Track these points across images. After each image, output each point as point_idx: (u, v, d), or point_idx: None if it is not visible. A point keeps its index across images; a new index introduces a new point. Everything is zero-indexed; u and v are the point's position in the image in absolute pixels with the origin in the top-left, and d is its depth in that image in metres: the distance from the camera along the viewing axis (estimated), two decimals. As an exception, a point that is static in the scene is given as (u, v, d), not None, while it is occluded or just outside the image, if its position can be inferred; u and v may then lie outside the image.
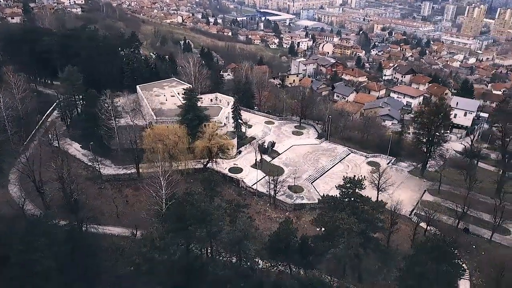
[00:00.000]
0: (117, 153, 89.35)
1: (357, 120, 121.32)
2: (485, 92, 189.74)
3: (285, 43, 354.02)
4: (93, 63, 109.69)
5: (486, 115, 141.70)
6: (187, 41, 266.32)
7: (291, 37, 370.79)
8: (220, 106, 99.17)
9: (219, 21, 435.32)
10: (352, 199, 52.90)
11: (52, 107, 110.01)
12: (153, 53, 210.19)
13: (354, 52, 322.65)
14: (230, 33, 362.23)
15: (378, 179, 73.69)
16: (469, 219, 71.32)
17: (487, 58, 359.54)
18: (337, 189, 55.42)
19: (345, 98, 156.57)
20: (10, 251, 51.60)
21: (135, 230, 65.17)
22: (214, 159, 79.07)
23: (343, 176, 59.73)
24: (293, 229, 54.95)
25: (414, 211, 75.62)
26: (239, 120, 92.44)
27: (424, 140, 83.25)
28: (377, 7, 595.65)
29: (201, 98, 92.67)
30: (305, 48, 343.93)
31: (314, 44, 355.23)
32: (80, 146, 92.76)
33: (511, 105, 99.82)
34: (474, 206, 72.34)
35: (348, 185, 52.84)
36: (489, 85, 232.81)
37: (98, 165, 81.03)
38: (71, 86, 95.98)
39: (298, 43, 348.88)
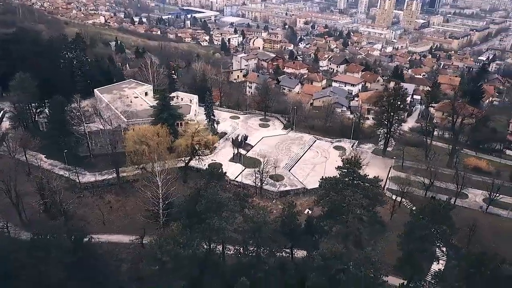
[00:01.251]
0: (89, 159, 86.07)
1: (310, 109, 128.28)
2: (410, 76, 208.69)
3: (216, 40, 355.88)
4: (39, 68, 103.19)
5: (418, 97, 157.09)
6: (118, 42, 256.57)
7: (221, 33, 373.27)
8: (189, 104, 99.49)
9: (144, 20, 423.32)
10: (352, 177, 57.81)
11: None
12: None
13: (283, 46, 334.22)
14: (159, 32, 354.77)
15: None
16: (434, 188, 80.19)
17: (402, 46, 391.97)
18: (336, 170, 59.97)
19: (291, 90, 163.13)
20: (17, 266, 49.41)
21: (141, 235, 64.14)
22: (199, 156, 79.74)
23: (341, 158, 64.12)
24: (297, 212, 58.59)
25: (386, 186, 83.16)
26: (212, 117, 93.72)
27: (385, 122, 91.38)
28: (296, 2, 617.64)
29: (174, 97, 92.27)
30: (236, 44, 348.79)
31: (244, 40, 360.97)
32: (45, 157, 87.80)
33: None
34: (436, 177, 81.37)
35: (347, 165, 57.65)
36: (409, 70, 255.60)
37: (76, 173, 77.79)
38: (24, 94, 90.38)
39: (229, 39, 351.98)
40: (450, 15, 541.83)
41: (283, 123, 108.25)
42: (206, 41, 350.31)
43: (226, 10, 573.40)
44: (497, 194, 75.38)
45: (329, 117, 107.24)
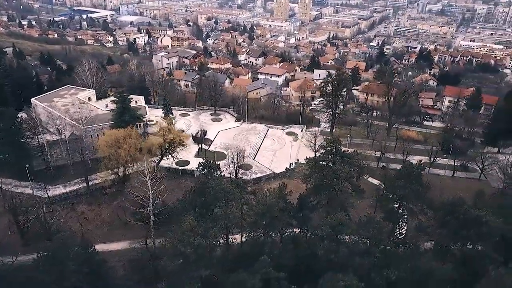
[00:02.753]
0: (47, 172, 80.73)
1: (254, 101, 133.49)
2: (323, 64, 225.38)
3: (121, 40, 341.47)
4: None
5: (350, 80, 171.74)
6: (16, 48, 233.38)
7: (125, 33, 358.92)
8: (143, 105, 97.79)
9: (34, 23, 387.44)
10: (334, 154, 64.29)
11: None
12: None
13: (191, 43, 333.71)
14: (56, 35, 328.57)
15: (314, 142, 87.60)
16: (384, 159, 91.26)
17: (303, 37, 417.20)
18: (321, 148, 66.06)
19: (221, 85, 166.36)
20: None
21: (145, 238, 63.31)
22: (171, 154, 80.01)
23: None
24: (288, 192, 63.56)
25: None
26: (171, 115, 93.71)
27: (332, 104, 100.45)
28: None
29: (132, 99, 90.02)
30: (143, 44, 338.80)
31: (151, 39, 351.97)
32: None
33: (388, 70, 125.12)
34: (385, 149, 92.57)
35: (330, 143, 63.94)
36: (316, 59, 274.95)
37: (45, 187, 72.88)
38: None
39: (135, 39, 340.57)
40: (338, 6, 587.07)
41: (234, 116, 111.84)
42: (111, 42, 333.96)
43: (122, 9, 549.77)
44: (435, 158, 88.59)
45: (275, 107, 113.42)
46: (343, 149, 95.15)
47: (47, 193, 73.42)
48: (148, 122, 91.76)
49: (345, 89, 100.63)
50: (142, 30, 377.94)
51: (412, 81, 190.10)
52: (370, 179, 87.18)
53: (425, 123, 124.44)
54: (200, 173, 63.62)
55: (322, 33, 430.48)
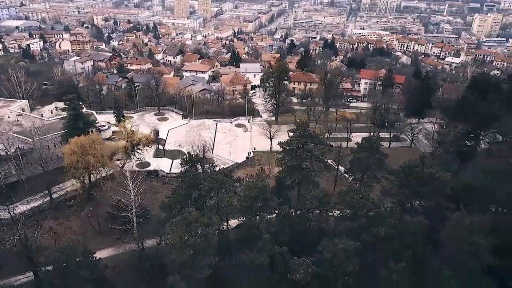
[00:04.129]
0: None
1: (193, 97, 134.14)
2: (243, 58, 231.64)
3: (11, 48, 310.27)
4: None
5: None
6: None
7: (15, 40, 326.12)
8: (91, 111, 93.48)
9: None
10: (305, 136, 69.87)
11: None
12: None
13: (94, 46, 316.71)
14: None
15: (269, 131, 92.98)
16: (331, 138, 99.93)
17: (209, 34, 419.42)
18: (290, 132, 71.26)
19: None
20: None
21: (141, 243, 62.42)
22: (136, 156, 78.88)
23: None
24: (266, 176, 67.91)
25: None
26: (122, 118, 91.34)
27: (275, 94, 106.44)
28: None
29: (83, 106, 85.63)
30: (39, 50, 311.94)
31: (47, 44, 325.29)
32: None
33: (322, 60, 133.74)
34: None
35: (300, 127, 69.26)
36: (228, 54, 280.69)
37: (8, 206, 67.00)
38: None
39: (28, 45, 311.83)
40: (237, 1, 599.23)
41: (179, 114, 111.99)
42: (0, 50, 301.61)
43: (2, 13, 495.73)
44: (375, 132, 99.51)
45: (220, 101, 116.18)
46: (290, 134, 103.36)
47: (13, 211, 67.69)
48: (100, 128, 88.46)
49: (285, 78, 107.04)
50: (35, 35, 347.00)
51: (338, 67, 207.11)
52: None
53: (351, 104, 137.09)
54: (184, 168, 64.74)
55: (226, 28, 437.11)
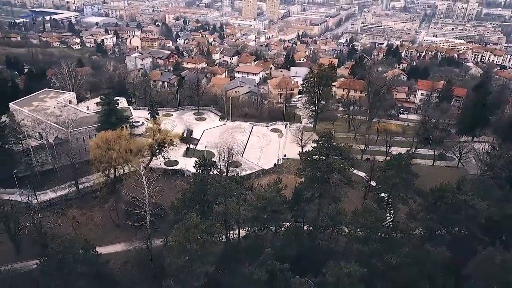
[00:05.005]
0: (33, 178, 78.79)
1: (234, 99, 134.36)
2: (297, 61, 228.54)
3: (88, 42, 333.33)
4: None
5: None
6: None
7: (92, 35, 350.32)
8: (128, 107, 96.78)
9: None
10: (327, 148, 66.22)
11: None
12: None
13: (162, 43, 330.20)
14: (19, 38, 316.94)
15: (301, 138, 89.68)
16: (368, 152, 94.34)
17: (272, 35, 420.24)
18: (313, 142, 67.91)
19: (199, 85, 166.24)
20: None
21: (146, 239, 62.98)
22: (162, 154, 79.88)
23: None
24: (284, 186, 65.08)
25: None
26: (156, 116, 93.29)
27: (314, 100, 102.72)
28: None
29: (119, 101, 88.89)
30: (112, 45, 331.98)
31: (120, 40, 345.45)
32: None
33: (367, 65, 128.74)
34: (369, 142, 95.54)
35: (323, 137, 65.78)
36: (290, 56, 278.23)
37: (34, 193, 71.05)
38: None
39: (103, 40, 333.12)
40: (305, 4, 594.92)
41: (217, 115, 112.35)
42: (78, 44, 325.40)
43: (86, 9, 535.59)
44: (416, 148, 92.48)
45: (259, 105, 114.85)
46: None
47: (36, 199, 71.64)
48: (134, 124, 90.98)
49: (326, 85, 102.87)
50: (110, 31, 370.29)
51: (384, 76, 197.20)
52: (355, 171, 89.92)
53: (401, 116, 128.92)
54: (197, 172, 63.98)
55: (291, 31, 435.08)
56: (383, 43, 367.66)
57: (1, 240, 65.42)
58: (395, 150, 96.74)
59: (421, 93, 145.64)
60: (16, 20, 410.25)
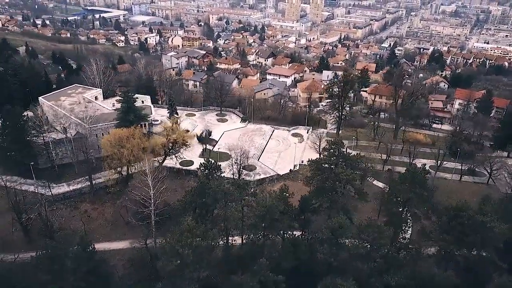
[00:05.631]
0: (53, 170, 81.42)
1: (260, 101, 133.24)
2: (333, 65, 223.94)
3: (132, 40, 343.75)
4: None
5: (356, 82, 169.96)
6: (29, 47, 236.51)
7: (136, 33, 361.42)
8: (148, 105, 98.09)
9: (48, 22, 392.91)
10: (337, 157, 63.54)
11: None
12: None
13: (202, 43, 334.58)
14: (68, 34, 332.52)
15: (318, 144, 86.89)
16: (390, 162, 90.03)
17: (313, 38, 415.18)
18: (322, 151, 65.41)
19: (229, 86, 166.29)
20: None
21: (145, 238, 63.21)
22: (174, 154, 80.00)
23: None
24: (290, 194, 62.98)
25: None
26: (176, 115, 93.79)
27: (338, 106, 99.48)
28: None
29: (137, 98, 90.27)
30: (154, 43, 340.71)
31: (162, 38, 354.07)
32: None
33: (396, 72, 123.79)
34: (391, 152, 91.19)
35: (333, 146, 63.20)
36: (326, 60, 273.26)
37: (49, 186, 73.41)
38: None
39: (146, 39, 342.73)
40: (350, 7, 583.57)
41: (240, 116, 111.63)
42: (122, 41, 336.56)
43: (134, 8, 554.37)
44: (442, 161, 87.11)
45: (281, 108, 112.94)
46: (349, 151, 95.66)
47: (50, 191, 73.87)
48: (153, 122, 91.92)
49: (352, 91, 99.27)
50: (154, 30, 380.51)
51: (423, 83, 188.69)
52: (375, 182, 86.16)
53: (434, 125, 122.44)
54: (202, 174, 63.39)
55: (333, 34, 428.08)
56: (428, 49, 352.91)
57: (15, 229, 68.04)
58: (420, 162, 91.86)
59: (459, 103, 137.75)
60: (68, 18, 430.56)
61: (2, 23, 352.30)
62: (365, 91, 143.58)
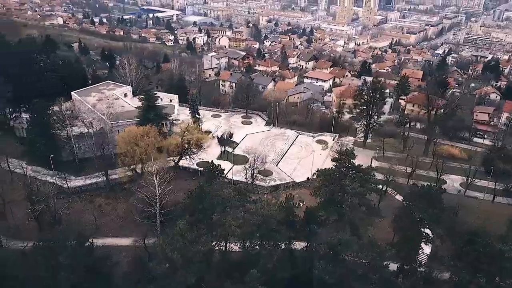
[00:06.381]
0: (74, 164, 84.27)
1: (288, 105, 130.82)
2: (376, 71, 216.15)
3: (181, 39, 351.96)
4: (11, 72, 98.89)
5: (387, 90, 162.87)
6: (82, 43, 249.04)
7: (185, 33, 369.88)
8: (172, 104, 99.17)
9: (105, 20, 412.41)
10: (347, 168, 60.31)
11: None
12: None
13: (249, 44, 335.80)
14: (122, 33, 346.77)
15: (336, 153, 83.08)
16: (414, 176, 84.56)
17: (363, 42, 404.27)
18: (332, 161, 62.40)
19: (265, 88, 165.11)
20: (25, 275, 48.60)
21: (143, 236, 63.59)
22: (189, 155, 80.00)
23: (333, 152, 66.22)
24: (295, 204, 60.56)
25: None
26: (197, 115, 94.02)
27: (365, 114, 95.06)
28: (258, 0, 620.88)
29: (159, 97, 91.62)
30: (202, 43, 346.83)
31: (209, 39, 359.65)
32: (25, 163, 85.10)
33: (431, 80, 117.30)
34: (416, 166, 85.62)
35: (342, 156, 60.09)
36: (373, 65, 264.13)
37: (65, 178, 76.04)
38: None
39: (194, 38, 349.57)
40: (406, 11, 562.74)
41: (265, 120, 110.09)
42: (171, 40, 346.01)
43: (188, 9, 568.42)
44: (473, 179, 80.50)
45: (308, 113, 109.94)
46: (373, 163, 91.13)
47: (66, 184, 76.34)
48: (174, 121, 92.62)
49: (381, 98, 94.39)
50: (203, 30, 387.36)
51: (473, 93, 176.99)
52: (397, 197, 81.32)
53: (475, 139, 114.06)
54: (208, 175, 62.68)
55: (384, 38, 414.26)
56: (486, 57, 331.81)
57: (31, 218, 70.73)
58: (450, 178, 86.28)
59: (507, 116, 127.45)
60: (124, 17, 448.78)
61: (63, 20, 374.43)
62: (403, 99, 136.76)
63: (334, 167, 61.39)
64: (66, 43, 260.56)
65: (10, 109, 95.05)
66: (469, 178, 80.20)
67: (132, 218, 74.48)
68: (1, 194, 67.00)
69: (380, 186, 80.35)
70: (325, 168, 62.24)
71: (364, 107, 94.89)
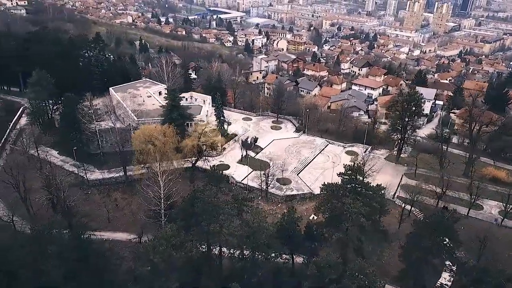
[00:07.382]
0: (99, 157, 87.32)
1: (326, 112, 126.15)
2: (435, 81, 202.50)
3: (240, 41, 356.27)
4: (58, 66, 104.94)
5: (441, 102, 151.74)
6: (142, 41, 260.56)
7: (245, 34, 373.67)
8: (200, 105, 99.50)
9: (171, 20, 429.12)
10: (353, 185, 56.11)
11: (18, 114, 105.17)
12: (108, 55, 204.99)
13: (307, 48, 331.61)
14: (184, 32, 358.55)
15: (363, 166, 77.89)
16: (447, 198, 77.15)
17: (430, 50, 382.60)
18: (338, 176, 58.46)
19: (309, 93, 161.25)
20: (18, 264, 50.29)
21: (139, 234, 64.06)
22: (205, 157, 79.49)
23: (345, 164, 62.30)
24: (297, 218, 57.29)
25: (396, 194, 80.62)
26: (222, 118, 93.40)
27: (399, 127, 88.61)
28: (324, 3, 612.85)
29: (187, 97, 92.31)
30: (260, 45, 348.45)
31: (268, 41, 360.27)
32: (58, 153, 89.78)
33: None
34: (450, 186, 78.10)
35: (349, 172, 56.00)
36: (436, 74, 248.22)
37: (85, 170, 78.98)
38: (41, 90, 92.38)
39: (253, 40, 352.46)
40: (482, 19, 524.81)
41: (295, 126, 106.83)
42: (230, 41, 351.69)
43: (252, 11, 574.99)
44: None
45: (342, 121, 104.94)
46: (403, 180, 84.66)
47: (85, 176, 79.09)
48: (199, 122, 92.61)
49: (417, 111, 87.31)
50: (263, 32, 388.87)
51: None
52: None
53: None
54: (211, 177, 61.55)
55: (454, 47, 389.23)
56: None
57: (45, 204, 73.55)
58: (487, 204, 77.92)
59: None
60: (189, 17, 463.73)
61: (132, 19, 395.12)
62: (455, 113, 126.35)
63: (341, 183, 57.28)
64: (130, 40, 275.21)
65: (53, 101, 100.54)
66: (508, 205, 71.37)
67: (152, 213, 75.70)
68: (23, 181, 70.60)
69: (404, 205, 74.85)
70: (330, 183, 58.24)
71: (398, 120, 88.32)
